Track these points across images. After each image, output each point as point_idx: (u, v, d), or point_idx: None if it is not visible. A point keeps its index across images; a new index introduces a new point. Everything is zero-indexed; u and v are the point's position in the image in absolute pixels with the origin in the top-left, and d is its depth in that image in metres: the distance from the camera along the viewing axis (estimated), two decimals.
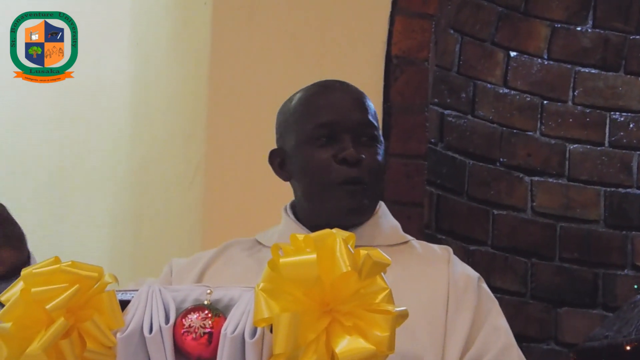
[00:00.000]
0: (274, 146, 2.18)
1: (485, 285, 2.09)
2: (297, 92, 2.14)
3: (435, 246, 2.13)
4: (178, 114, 3.30)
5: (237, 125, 3.09)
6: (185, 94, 3.27)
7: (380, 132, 2.11)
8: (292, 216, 2.10)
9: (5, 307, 1.61)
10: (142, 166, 3.44)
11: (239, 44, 3.13)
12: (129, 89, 3.52)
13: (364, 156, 2.03)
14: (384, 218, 2.12)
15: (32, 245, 3.54)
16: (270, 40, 3.13)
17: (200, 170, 3.12)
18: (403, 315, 1.60)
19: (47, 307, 1.57)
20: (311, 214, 2.07)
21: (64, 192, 3.60)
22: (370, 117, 2.08)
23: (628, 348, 3.11)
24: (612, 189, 3.62)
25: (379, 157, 2.06)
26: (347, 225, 2.02)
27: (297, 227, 2.06)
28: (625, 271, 3.60)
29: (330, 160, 2.03)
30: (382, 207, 2.14)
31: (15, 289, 1.61)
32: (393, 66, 3.19)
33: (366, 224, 2.08)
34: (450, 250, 2.12)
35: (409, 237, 2.14)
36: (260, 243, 2.13)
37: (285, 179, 2.12)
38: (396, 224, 2.15)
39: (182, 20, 3.32)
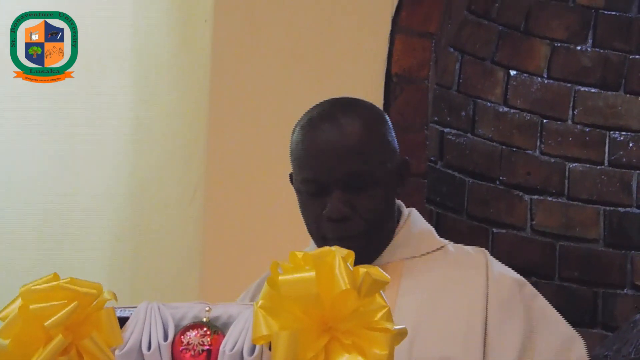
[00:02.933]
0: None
1: (529, 288, 2.06)
2: (304, 115, 2.08)
3: (470, 249, 2.10)
4: (178, 133, 3.30)
5: (236, 144, 3.09)
6: (185, 113, 3.27)
7: (382, 159, 2.02)
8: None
9: (3, 324, 1.60)
10: (142, 185, 3.44)
11: (239, 62, 3.13)
12: (129, 107, 3.52)
13: (348, 212, 1.97)
14: (414, 227, 2.09)
15: (31, 261, 3.54)
16: (270, 59, 3.14)
17: (199, 189, 3.12)
18: (402, 334, 1.59)
19: (46, 324, 1.57)
20: None
21: (63, 210, 3.59)
22: (359, 164, 1.99)
23: None
24: (612, 208, 3.62)
25: (374, 199, 2.00)
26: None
27: None
28: (625, 290, 3.59)
29: (320, 215, 2.00)
30: (412, 216, 2.11)
31: (13, 306, 1.61)
32: (393, 84, 3.19)
33: (394, 241, 2.05)
34: (486, 252, 2.09)
35: (444, 241, 2.11)
36: None
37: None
38: (429, 229, 2.12)
39: (183, 39, 3.33)
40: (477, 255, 2.08)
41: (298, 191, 2.05)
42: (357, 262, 1.94)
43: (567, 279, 3.57)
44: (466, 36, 3.53)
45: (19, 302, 1.61)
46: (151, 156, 3.42)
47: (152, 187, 3.39)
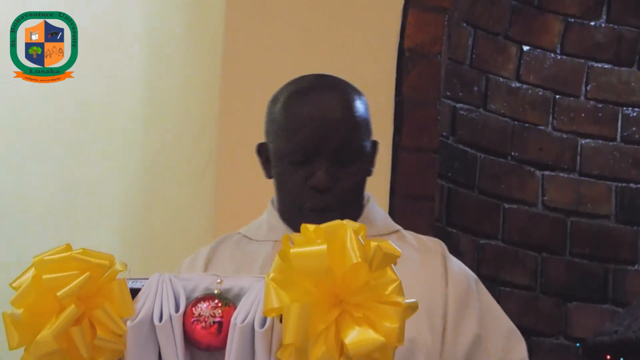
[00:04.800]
0: None
1: (480, 284, 2.08)
2: (283, 88, 2.09)
3: (425, 238, 2.12)
4: (190, 105, 3.30)
5: (248, 116, 3.09)
6: (197, 85, 3.27)
7: (366, 134, 2.04)
8: (277, 213, 2.09)
9: (16, 294, 1.61)
10: (154, 157, 3.44)
11: (251, 36, 3.13)
12: (142, 79, 3.52)
13: (332, 183, 1.98)
14: (374, 210, 2.11)
15: (43, 234, 3.56)
16: (283, 33, 3.14)
17: (212, 161, 3.13)
18: (413, 307, 1.60)
19: (58, 294, 1.58)
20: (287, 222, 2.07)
21: (75, 182, 3.60)
22: (348, 136, 2.00)
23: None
24: (624, 184, 3.62)
25: (356, 175, 2.02)
26: None
27: (281, 225, 2.06)
28: (636, 267, 3.59)
29: (301, 184, 2.00)
30: (371, 201, 2.12)
31: (26, 276, 1.62)
32: (405, 59, 3.19)
33: (361, 218, 2.06)
34: (443, 244, 2.10)
35: (397, 226, 2.13)
36: (247, 237, 2.13)
37: (267, 176, 2.11)
38: (385, 213, 2.15)
39: (195, 12, 3.32)
40: (434, 245, 2.09)
41: (279, 159, 2.03)
42: None
43: (578, 255, 3.57)
44: (479, 11, 3.51)
45: (31, 272, 1.62)
46: (163, 130, 3.42)
47: (164, 160, 3.40)
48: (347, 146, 2.00)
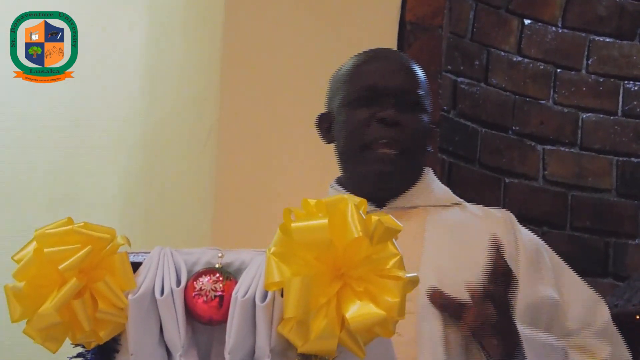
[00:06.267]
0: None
1: (551, 250, 2.18)
2: (349, 60, 2.19)
3: (493, 209, 2.20)
4: (192, 77, 3.30)
5: (250, 88, 3.09)
6: (199, 57, 3.27)
7: (428, 101, 2.14)
8: (340, 188, 2.15)
9: (18, 266, 1.61)
10: (156, 129, 3.44)
11: (253, 7, 3.12)
12: (144, 50, 3.52)
13: (399, 119, 2.07)
14: (434, 182, 2.19)
15: (47, 203, 3.56)
16: (285, 4, 3.13)
17: (213, 133, 3.13)
18: (414, 282, 1.60)
19: (60, 267, 1.58)
20: (348, 181, 2.13)
21: (77, 154, 3.60)
22: (415, 84, 2.11)
23: (638, 317, 3.11)
24: (625, 158, 3.62)
25: (420, 124, 2.10)
26: (389, 192, 2.07)
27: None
28: (637, 241, 3.60)
29: (369, 119, 2.08)
30: (430, 173, 2.20)
31: (28, 249, 1.62)
32: (407, 32, 3.18)
33: (416, 186, 2.14)
34: (512, 214, 2.17)
35: (460, 199, 2.20)
36: None
37: (328, 142, 2.18)
38: (446, 187, 2.21)
39: None
40: (503, 215, 2.17)
41: (346, 106, 2.11)
42: (387, 179, 2.04)
43: (579, 228, 3.57)
44: None
45: (33, 245, 1.62)
46: (164, 102, 3.42)
47: (165, 133, 3.40)
48: (412, 91, 2.10)
